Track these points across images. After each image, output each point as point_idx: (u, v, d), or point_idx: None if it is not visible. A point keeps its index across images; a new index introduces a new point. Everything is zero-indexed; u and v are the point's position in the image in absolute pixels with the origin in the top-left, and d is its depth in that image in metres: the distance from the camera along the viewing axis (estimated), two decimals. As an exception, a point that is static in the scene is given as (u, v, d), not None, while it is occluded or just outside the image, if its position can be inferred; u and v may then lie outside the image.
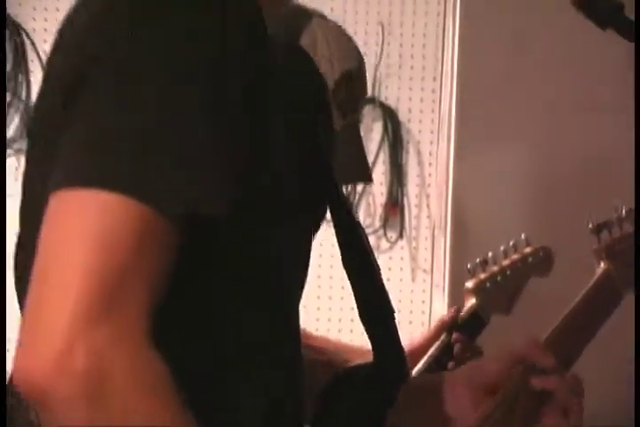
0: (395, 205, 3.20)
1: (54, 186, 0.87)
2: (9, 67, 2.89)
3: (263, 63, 1.00)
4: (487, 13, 2.95)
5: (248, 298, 1.04)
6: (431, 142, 3.12)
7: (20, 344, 0.87)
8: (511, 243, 1.85)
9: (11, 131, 2.93)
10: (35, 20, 2.95)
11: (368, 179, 2.19)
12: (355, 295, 1.19)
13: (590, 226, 1.58)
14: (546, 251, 1.86)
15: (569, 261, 2.13)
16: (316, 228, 1.21)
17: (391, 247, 3.15)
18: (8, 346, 2.91)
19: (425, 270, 3.23)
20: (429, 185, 3.13)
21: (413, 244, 3.20)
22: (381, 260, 3.34)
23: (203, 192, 0.90)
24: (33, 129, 1.05)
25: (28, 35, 2.88)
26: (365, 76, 1.94)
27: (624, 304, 1.55)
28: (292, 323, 1.13)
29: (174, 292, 0.91)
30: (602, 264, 1.53)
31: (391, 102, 3.11)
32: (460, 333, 1.82)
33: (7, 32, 2.86)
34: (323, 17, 1.89)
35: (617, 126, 2.96)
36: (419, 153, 3.16)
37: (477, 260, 1.80)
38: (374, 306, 1.22)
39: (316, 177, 1.17)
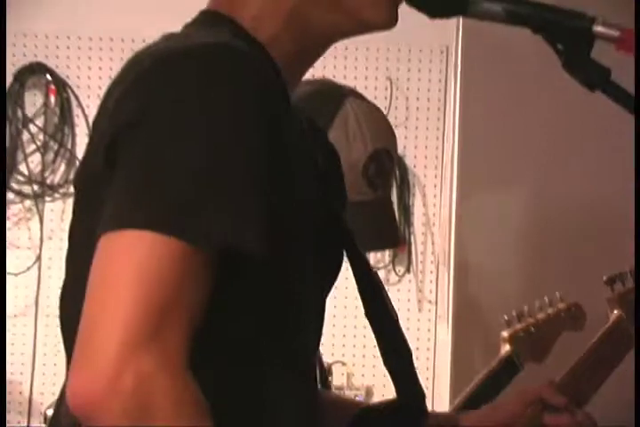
0: (402, 243, 3.27)
1: (104, 228, 0.91)
2: (56, 120, 3.18)
3: (292, 128, 1.05)
4: (486, 67, 3.10)
5: (271, 341, 1.06)
6: (435, 186, 3.27)
7: (73, 368, 0.91)
8: (546, 298, 1.90)
9: (57, 177, 3.20)
10: (79, 78, 3.23)
11: (398, 244, 2.26)
12: (377, 342, 1.22)
13: (604, 278, 1.71)
14: (577, 307, 1.90)
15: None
16: (331, 285, 1.25)
17: (399, 280, 3.33)
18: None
19: (430, 301, 3.41)
20: (434, 224, 3.28)
21: (420, 277, 3.37)
22: (390, 292, 3.64)
23: (238, 228, 0.93)
24: (79, 183, 1.10)
25: (73, 91, 3.16)
26: (396, 153, 2.02)
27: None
28: (309, 364, 1.16)
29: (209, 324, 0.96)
30: (615, 311, 1.64)
31: (399, 150, 3.25)
32: (494, 378, 1.88)
33: (53, 87, 3.16)
34: (357, 95, 1.95)
35: (616, 171, 2.98)
36: (424, 195, 3.32)
37: (514, 312, 1.87)
38: (396, 351, 1.24)
39: (334, 236, 1.18)
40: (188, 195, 0.93)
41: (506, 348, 1.82)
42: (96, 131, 1.03)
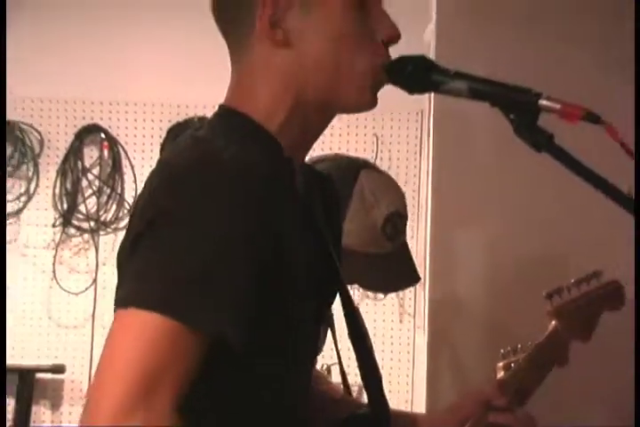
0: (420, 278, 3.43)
1: (115, 305, 1.00)
2: (109, 169, 3.67)
3: (291, 210, 1.10)
4: (455, 127, 3.13)
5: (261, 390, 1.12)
6: (412, 223, 3.34)
7: (83, 413, 1.00)
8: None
9: (109, 215, 3.68)
10: (127, 136, 3.72)
11: (419, 279, 2.23)
12: (357, 360, 1.30)
13: (544, 293, 1.66)
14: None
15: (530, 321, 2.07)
16: (326, 313, 1.32)
17: (384, 297, 3.66)
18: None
19: (409, 314, 3.83)
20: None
21: (400, 294, 3.76)
22: (377, 306, 3.90)
23: (227, 318, 0.99)
24: (118, 259, 1.13)
25: (122, 147, 3.67)
26: (407, 212, 2.06)
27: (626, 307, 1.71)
28: (299, 400, 1.20)
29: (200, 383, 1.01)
30: (552, 322, 1.63)
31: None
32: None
33: (106, 144, 3.63)
34: (370, 167, 2.06)
35: (573, 219, 2.86)
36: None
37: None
38: (369, 369, 1.31)
39: (329, 290, 1.26)
40: (184, 284, 0.99)
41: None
42: (130, 223, 1.12)
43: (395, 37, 1.20)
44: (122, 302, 0.99)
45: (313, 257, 1.18)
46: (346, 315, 1.29)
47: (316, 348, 1.31)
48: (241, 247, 1.04)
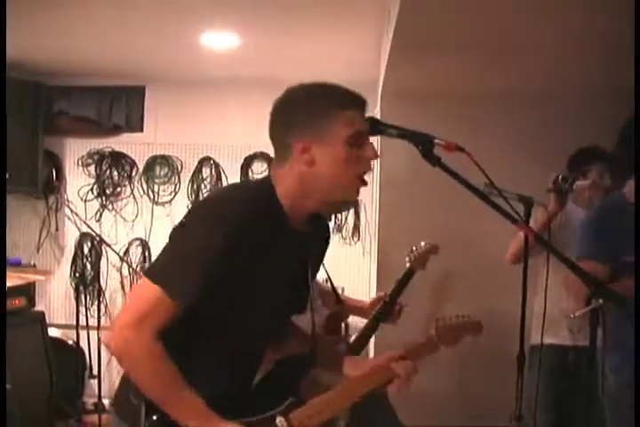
0: (356, 228, 5.42)
1: (143, 273, 1.62)
2: (214, 180, 5.42)
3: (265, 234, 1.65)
4: (393, 152, 3.42)
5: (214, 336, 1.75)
6: (369, 210, 5.20)
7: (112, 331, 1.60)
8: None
9: None
10: (223, 162, 5.57)
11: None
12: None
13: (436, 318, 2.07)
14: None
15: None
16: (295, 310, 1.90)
17: (355, 244, 5.40)
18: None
19: (367, 252, 5.45)
20: (369, 223, 5.26)
21: (364, 242, 5.44)
22: (351, 249, 5.42)
23: (188, 294, 1.60)
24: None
25: (222, 168, 5.54)
26: None
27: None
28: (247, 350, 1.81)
29: (179, 325, 1.63)
30: (433, 333, 2.03)
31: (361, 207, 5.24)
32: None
33: (214, 166, 5.43)
34: None
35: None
36: (366, 217, 5.31)
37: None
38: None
39: (303, 285, 1.81)
40: (173, 268, 1.62)
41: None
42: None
43: (375, 157, 1.74)
44: (144, 272, 1.64)
45: (286, 264, 1.75)
46: (300, 297, 1.87)
47: (275, 321, 1.82)
48: (210, 252, 1.60)
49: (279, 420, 1.76)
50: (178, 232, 1.66)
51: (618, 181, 3.39)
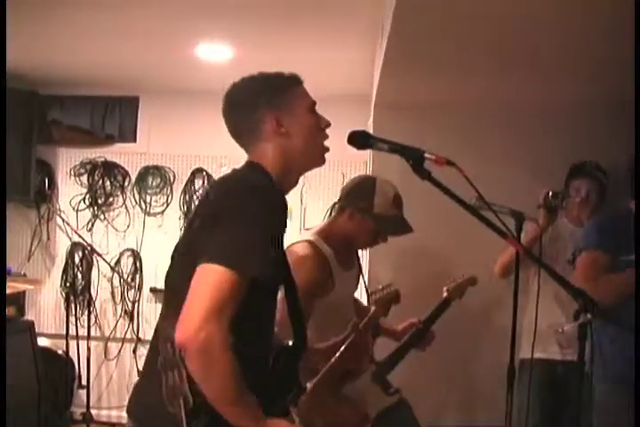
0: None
1: (204, 261, 1.55)
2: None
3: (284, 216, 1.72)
4: (384, 166, 3.75)
5: (258, 317, 1.72)
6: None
7: (179, 323, 1.52)
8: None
9: None
10: (215, 172, 5.55)
11: (411, 230, 2.91)
12: (288, 309, 1.83)
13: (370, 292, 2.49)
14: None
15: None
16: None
17: None
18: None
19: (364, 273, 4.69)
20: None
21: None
22: None
23: (263, 269, 1.59)
24: (186, 230, 1.75)
25: (213, 179, 5.56)
26: (401, 196, 2.85)
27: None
28: (267, 334, 1.78)
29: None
30: (372, 308, 2.50)
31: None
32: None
33: (206, 177, 5.44)
34: (379, 177, 2.86)
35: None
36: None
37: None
38: (297, 314, 1.84)
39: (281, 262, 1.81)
40: (245, 254, 1.58)
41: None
42: (197, 211, 1.76)
43: (329, 125, 1.90)
44: (209, 258, 1.58)
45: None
46: (287, 288, 1.86)
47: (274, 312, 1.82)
48: (274, 232, 1.66)
49: (292, 410, 1.80)
50: (220, 220, 1.65)
51: (606, 198, 3.55)
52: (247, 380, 1.60)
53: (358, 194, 2.85)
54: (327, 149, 1.89)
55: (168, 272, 1.79)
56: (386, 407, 2.93)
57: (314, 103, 1.90)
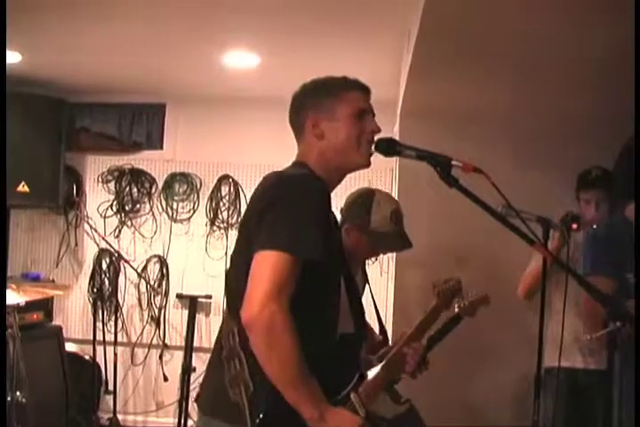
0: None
1: (257, 249, 1.66)
2: (233, 197, 5.47)
3: (329, 209, 1.79)
4: (409, 174, 4.15)
5: (316, 297, 1.77)
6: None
7: (244, 304, 1.61)
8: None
9: (233, 220, 5.44)
10: (242, 180, 5.57)
11: (411, 246, 2.86)
12: (349, 303, 1.86)
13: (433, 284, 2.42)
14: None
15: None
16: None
17: (372, 263, 4.55)
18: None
19: (385, 272, 5.29)
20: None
21: (382, 262, 5.21)
22: (369, 270, 3.75)
23: (315, 250, 1.67)
24: (241, 230, 1.82)
25: (240, 186, 5.53)
26: (401, 211, 2.76)
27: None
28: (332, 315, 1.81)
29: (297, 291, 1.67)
30: (434, 302, 2.33)
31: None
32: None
33: (232, 184, 5.45)
34: (378, 190, 2.84)
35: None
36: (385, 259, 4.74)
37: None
38: (358, 307, 1.90)
39: (338, 253, 1.88)
40: (295, 237, 1.67)
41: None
42: (249, 208, 1.83)
43: (378, 130, 1.92)
44: (262, 246, 1.68)
45: (334, 235, 1.84)
46: (345, 278, 1.86)
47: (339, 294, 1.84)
48: (319, 216, 1.71)
49: (353, 396, 1.81)
50: (267, 211, 1.74)
51: (616, 206, 3.42)
52: (309, 364, 1.65)
53: (355, 210, 2.83)
54: (372, 154, 1.93)
55: (227, 271, 1.89)
56: (395, 415, 2.86)
57: (362, 110, 1.94)
